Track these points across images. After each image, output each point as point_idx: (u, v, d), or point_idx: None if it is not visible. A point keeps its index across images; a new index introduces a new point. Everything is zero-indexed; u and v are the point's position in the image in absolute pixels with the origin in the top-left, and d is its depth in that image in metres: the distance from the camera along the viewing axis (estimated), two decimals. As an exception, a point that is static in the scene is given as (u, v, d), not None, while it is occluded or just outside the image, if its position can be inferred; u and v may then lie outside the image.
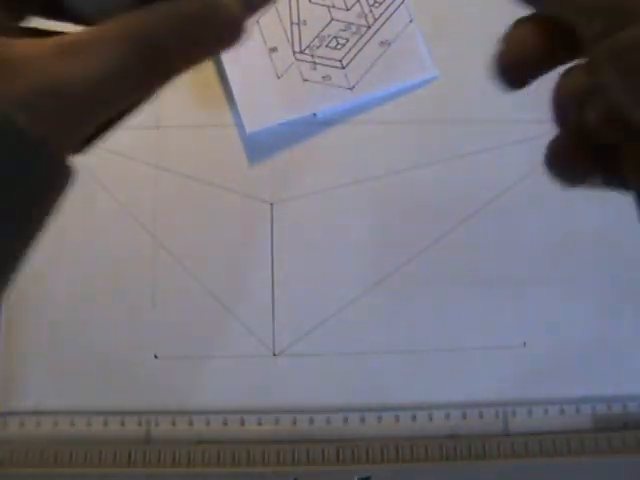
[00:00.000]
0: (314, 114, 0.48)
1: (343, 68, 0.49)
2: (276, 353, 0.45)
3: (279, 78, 0.48)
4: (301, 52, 0.49)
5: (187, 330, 0.45)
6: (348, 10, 0.50)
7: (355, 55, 0.49)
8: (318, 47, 0.49)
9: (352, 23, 0.49)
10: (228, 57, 0.48)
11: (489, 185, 0.48)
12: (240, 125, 0.48)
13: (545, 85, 0.23)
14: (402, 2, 0.50)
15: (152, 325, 0.45)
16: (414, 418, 0.44)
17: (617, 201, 0.49)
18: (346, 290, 0.46)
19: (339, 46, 0.49)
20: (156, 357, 0.45)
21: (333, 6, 0.49)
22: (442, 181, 0.48)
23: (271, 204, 0.47)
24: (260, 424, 0.44)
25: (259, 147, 0.48)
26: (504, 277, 0.46)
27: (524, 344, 0.45)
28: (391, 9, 0.50)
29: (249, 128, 0.47)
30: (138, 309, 0.46)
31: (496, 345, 0.45)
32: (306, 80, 0.48)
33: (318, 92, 0.48)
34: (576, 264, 0.47)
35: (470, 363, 0.45)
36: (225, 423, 0.44)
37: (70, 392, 0.45)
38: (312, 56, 0.49)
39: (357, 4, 0.50)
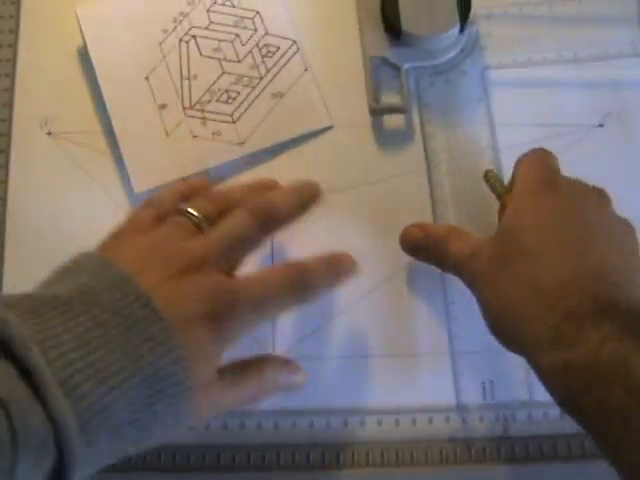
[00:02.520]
0: (206, 171, 0.47)
1: (234, 122, 0.48)
2: (276, 356, 0.45)
3: (168, 135, 0.47)
4: (191, 107, 0.48)
5: (187, 333, 0.45)
6: (240, 62, 0.49)
7: (246, 109, 0.48)
8: (209, 102, 0.48)
9: (244, 75, 0.49)
10: (117, 116, 0.47)
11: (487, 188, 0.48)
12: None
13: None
14: (297, 51, 0.50)
15: (152, 328, 0.45)
16: (414, 421, 0.44)
17: (618, 204, 0.49)
18: (346, 292, 0.46)
19: (230, 100, 0.48)
20: (155, 360, 0.45)
21: (224, 58, 0.49)
22: (441, 185, 0.48)
23: (270, 207, 0.47)
24: (260, 427, 0.44)
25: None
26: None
27: (525, 347, 0.45)
28: (285, 59, 0.49)
29: (137, 188, 0.46)
30: (137, 312, 0.45)
31: (496, 348, 0.45)
32: (195, 136, 0.47)
33: (208, 149, 0.47)
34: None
35: (470, 366, 0.44)
36: (225, 426, 0.44)
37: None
38: (202, 111, 0.48)
39: (249, 55, 0.49)
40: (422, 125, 0.49)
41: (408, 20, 0.46)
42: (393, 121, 0.49)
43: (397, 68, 0.49)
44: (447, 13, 0.47)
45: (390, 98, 0.49)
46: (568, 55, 0.50)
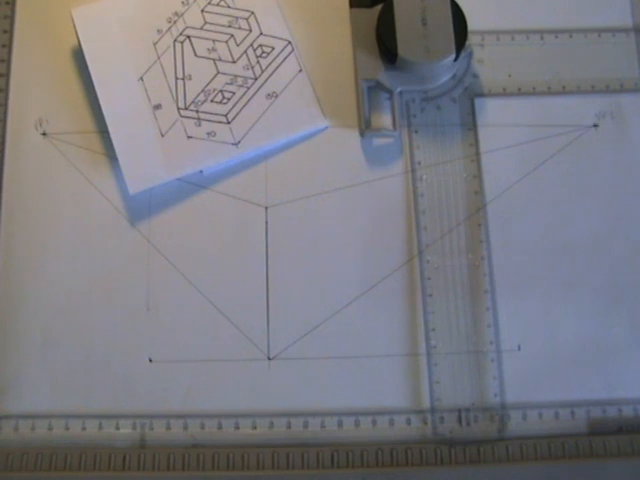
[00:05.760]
0: (200, 171, 0.47)
1: (228, 123, 0.48)
2: (271, 357, 0.45)
3: (163, 136, 0.47)
4: (186, 108, 0.48)
5: (182, 334, 0.45)
6: (234, 62, 0.49)
7: (241, 109, 0.48)
8: (203, 102, 0.48)
9: (238, 76, 0.49)
10: (111, 117, 0.47)
11: (484, 189, 0.48)
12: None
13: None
14: (291, 51, 0.50)
15: (146, 329, 0.45)
16: (409, 422, 0.44)
17: (612, 205, 0.49)
18: (341, 293, 0.46)
19: (225, 100, 0.48)
20: (150, 361, 0.45)
21: (219, 59, 0.49)
22: (437, 185, 0.48)
23: (266, 207, 0.47)
24: (255, 428, 0.44)
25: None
26: (499, 281, 0.46)
27: (519, 347, 0.45)
28: (279, 59, 0.49)
29: (132, 189, 0.46)
30: (132, 312, 0.45)
31: (490, 349, 0.45)
32: (190, 137, 0.47)
33: (202, 149, 0.47)
34: (571, 268, 0.47)
35: (464, 366, 0.44)
36: (220, 427, 0.44)
37: (64, 396, 0.44)
38: (197, 112, 0.48)
39: (244, 55, 0.49)
40: (410, 145, 0.49)
41: (404, 46, 0.46)
42: (383, 140, 0.49)
43: (389, 91, 0.48)
44: (444, 41, 0.46)
45: (380, 121, 0.49)
46: (557, 88, 0.50)
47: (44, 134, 0.48)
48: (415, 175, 0.48)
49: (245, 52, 0.49)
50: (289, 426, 0.44)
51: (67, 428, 0.44)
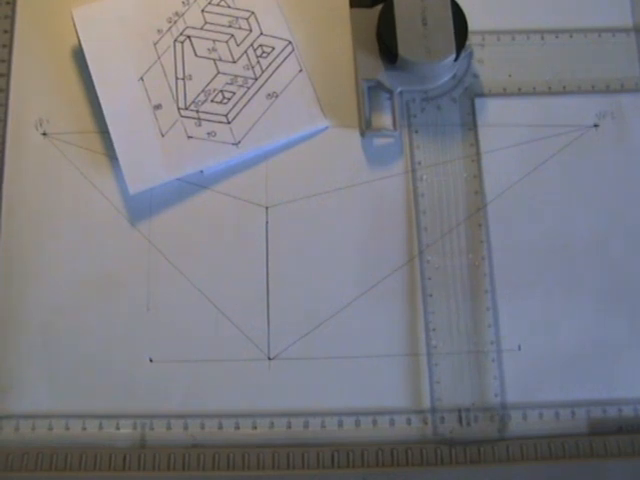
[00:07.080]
0: (201, 171, 0.47)
1: (229, 123, 0.48)
2: (271, 357, 0.45)
3: (163, 136, 0.47)
4: (186, 108, 0.48)
5: (182, 333, 0.45)
6: (235, 62, 0.49)
7: (241, 109, 0.48)
8: (203, 102, 0.48)
9: (238, 76, 0.49)
10: (112, 117, 0.47)
11: (484, 189, 0.48)
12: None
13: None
14: (292, 51, 0.50)
15: (147, 328, 0.45)
16: (409, 422, 0.44)
17: (612, 205, 0.49)
18: (341, 293, 0.46)
19: (225, 100, 0.48)
20: (151, 361, 0.45)
21: (220, 59, 0.49)
22: (437, 185, 0.48)
23: (266, 207, 0.47)
24: (255, 428, 0.44)
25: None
26: (499, 281, 0.46)
27: (519, 347, 0.45)
28: (280, 59, 0.49)
29: (132, 189, 0.46)
30: (133, 312, 0.45)
31: (491, 349, 0.45)
32: (190, 137, 0.47)
33: (203, 149, 0.47)
34: (571, 268, 0.47)
35: (465, 366, 0.45)
36: (220, 427, 0.44)
37: (65, 395, 0.44)
38: (197, 112, 0.48)
39: (244, 55, 0.49)
40: (411, 145, 0.49)
41: (405, 46, 0.46)
42: (383, 140, 0.49)
43: (389, 91, 0.48)
44: (445, 41, 0.46)
45: (380, 121, 0.49)
46: (557, 88, 0.50)
47: (44, 134, 0.48)
48: (415, 175, 0.48)
49: (245, 52, 0.49)
50: (289, 426, 0.44)
51: (67, 428, 0.44)
